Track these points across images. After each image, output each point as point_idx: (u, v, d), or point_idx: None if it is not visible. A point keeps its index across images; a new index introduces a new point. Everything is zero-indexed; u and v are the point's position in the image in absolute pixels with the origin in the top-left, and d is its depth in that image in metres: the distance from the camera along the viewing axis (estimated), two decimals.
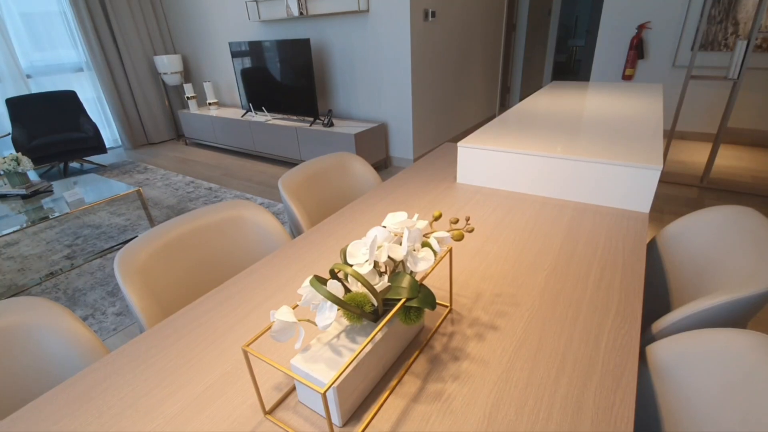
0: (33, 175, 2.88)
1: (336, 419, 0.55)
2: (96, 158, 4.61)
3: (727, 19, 3.52)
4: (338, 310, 0.59)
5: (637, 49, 3.89)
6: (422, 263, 0.62)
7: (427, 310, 0.76)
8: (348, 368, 0.54)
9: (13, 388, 0.70)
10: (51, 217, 2.28)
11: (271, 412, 0.59)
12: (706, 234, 0.93)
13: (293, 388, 0.62)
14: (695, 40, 2.63)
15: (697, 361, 0.61)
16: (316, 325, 0.67)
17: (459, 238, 0.66)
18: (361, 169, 1.45)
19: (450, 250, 0.71)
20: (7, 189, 2.62)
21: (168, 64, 4.72)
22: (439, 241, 0.66)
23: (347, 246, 0.63)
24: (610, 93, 2.03)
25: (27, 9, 4.09)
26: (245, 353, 0.53)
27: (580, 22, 8.14)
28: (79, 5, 4.15)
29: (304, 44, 3.37)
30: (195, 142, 4.89)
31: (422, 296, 0.60)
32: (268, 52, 3.69)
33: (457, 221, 0.70)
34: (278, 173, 3.78)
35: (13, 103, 3.89)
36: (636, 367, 0.62)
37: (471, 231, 0.68)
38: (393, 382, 0.63)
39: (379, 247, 0.62)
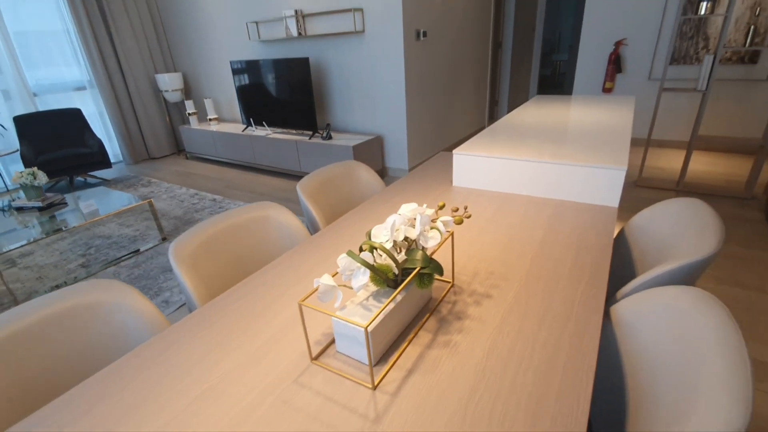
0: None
1: (368, 360, 0.71)
2: (99, 173, 4.73)
3: (698, 35, 3.81)
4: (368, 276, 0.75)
5: (616, 63, 4.16)
6: (431, 241, 0.78)
7: (433, 285, 0.92)
8: (380, 314, 0.70)
9: (95, 354, 0.84)
10: (65, 228, 2.40)
11: (316, 358, 0.74)
12: (664, 221, 1.12)
13: (332, 342, 0.78)
14: (667, 55, 2.87)
15: (649, 314, 0.78)
16: (351, 288, 0.83)
17: (459, 222, 0.82)
18: (366, 175, 1.62)
19: (452, 234, 0.88)
20: (23, 202, 2.74)
21: (169, 82, 4.89)
22: (444, 224, 0.82)
23: (371, 229, 0.80)
24: (587, 105, 2.24)
25: (32, 28, 4.25)
26: (300, 308, 0.68)
27: (563, 38, 8.52)
28: (82, 24, 4.32)
29: (303, 63, 3.57)
30: (196, 156, 5.04)
31: (432, 266, 0.77)
32: (269, 69, 3.89)
33: (457, 210, 0.87)
34: (279, 184, 3.94)
35: (20, 121, 4.02)
36: (600, 318, 0.78)
37: (469, 217, 0.85)
38: (410, 336, 0.78)
39: (396, 230, 0.79)
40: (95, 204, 2.68)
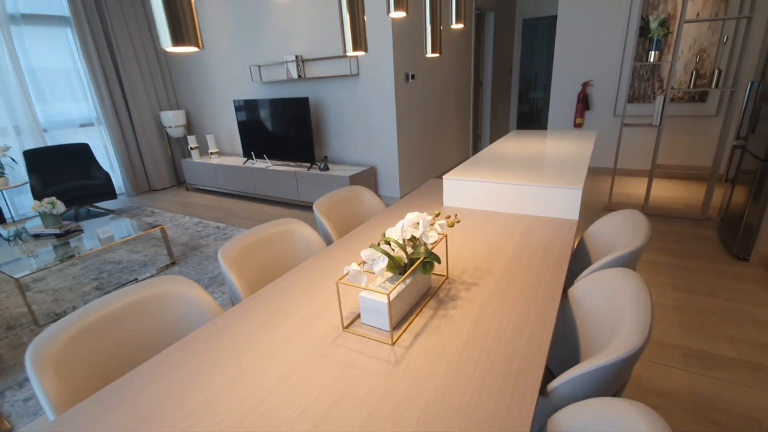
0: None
1: (387, 325, 0.95)
2: (104, 204, 4.90)
3: (653, 77, 4.31)
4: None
5: (584, 102, 4.63)
6: (431, 238, 1.04)
7: (432, 278, 1.17)
8: (398, 288, 0.94)
9: (166, 333, 1.05)
10: (79, 255, 2.57)
11: (347, 327, 0.97)
12: (611, 228, 1.40)
13: (357, 316, 1.01)
14: (626, 95, 3.29)
15: (593, 289, 1.04)
16: (373, 273, 1.07)
17: (451, 225, 1.09)
18: (369, 198, 1.89)
19: (446, 235, 1.14)
20: (40, 229, 2.92)
21: (173, 119, 5.20)
22: (441, 226, 1.09)
23: (385, 231, 1.05)
24: (556, 138, 2.59)
25: (44, 65, 4.52)
26: (337, 285, 0.93)
27: (539, 77, 9.20)
28: (92, 62, 4.63)
29: (303, 102, 3.91)
30: (196, 187, 5.27)
31: (432, 257, 1.02)
32: (270, 108, 4.22)
33: (449, 217, 1.14)
34: (278, 213, 4.18)
35: (30, 155, 4.22)
36: (559, 296, 1.04)
37: (458, 221, 1.12)
38: (417, 311, 1.03)
39: (405, 231, 1.05)
40: (110, 230, 2.88)
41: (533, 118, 8.56)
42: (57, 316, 2.46)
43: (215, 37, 4.72)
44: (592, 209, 3.63)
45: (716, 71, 2.99)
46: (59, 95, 4.69)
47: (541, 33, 8.12)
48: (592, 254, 1.42)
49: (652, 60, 3.18)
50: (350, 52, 0.89)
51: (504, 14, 6.40)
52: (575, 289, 1.09)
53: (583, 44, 4.49)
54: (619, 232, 1.32)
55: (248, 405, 0.76)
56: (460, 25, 1.33)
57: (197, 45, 0.55)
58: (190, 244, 3.45)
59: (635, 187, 4.17)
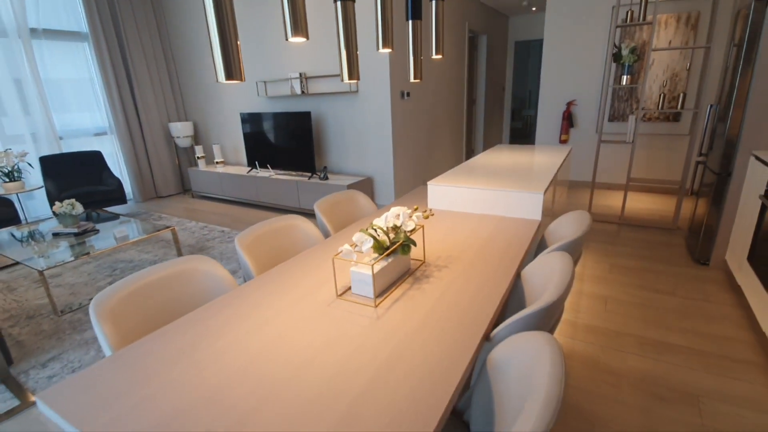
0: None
1: (372, 293, 1.19)
2: (113, 208, 5.14)
3: (631, 98, 4.63)
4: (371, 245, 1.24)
5: (569, 120, 4.95)
6: (409, 227, 1.29)
7: (410, 263, 1.42)
8: (380, 263, 1.18)
9: (196, 297, 1.29)
10: (94, 252, 2.79)
11: (340, 295, 1.21)
12: (565, 224, 1.65)
13: (349, 288, 1.25)
14: (605, 113, 3.58)
15: (538, 269, 1.29)
16: (362, 253, 1.31)
17: (426, 217, 1.34)
18: (363, 200, 2.14)
19: (423, 226, 1.39)
20: (60, 228, 3.15)
21: (181, 130, 5.48)
22: (417, 218, 1.34)
23: (373, 220, 1.30)
24: (533, 152, 2.86)
25: (62, 76, 4.81)
26: (333, 261, 1.17)
27: (532, 96, 9.59)
28: (107, 74, 4.93)
29: (305, 116, 4.20)
30: (201, 195, 5.52)
31: (409, 240, 1.27)
32: (275, 120, 4.51)
33: (425, 211, 1.39)
34: None
35: (45, 161, 4.48)
36: (511, 275, 1.29)
37: (432, 215, 1.37)
38: (396, 285, 1.27)
39: (388, 220, 1.30)
40: (126, 230, 3.12)
41: (526, 134, 8.90)
42: (75, 307, 2.68)
43: None
44: None
45: (681, 95, 3.29)
46: (75, 105, 4.98)
47: (533, 54, 8.52)
48: (549, 245, 1.67)
49: (624, 83, 3.49)
50: (346, 80, 1.15)
51: (497, 37, 6.78)
52: (526, 271, 1.34)
53: (567, 67, 4.83)
54: (569, 227, 1.57)
55: (265, 342, 1.00)
56: (439, 56, 1.61)
57: (241, 79, 0.80)
58: (197, 246, 3.68)
59: (615, 200, 4.44)
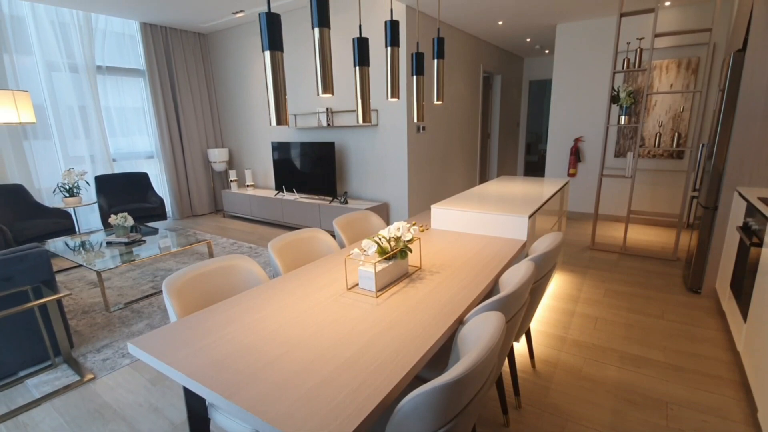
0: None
1: (374, 288, 1.50)
2: (153, 224, 5.65)
3: (636, 135, 4.88)
4: (376, 250, 1.56)
5: (576, 155, 5.22)
6: (407, 237, 1.61)
7: (408, 269, 1.73)
8: (382, 264, 1.50)
9: (236, 288, 1.63)
10: (140, 259, 3.21)
11: (350, 289, 1.53)
12: (543, 242, 1.93)
13: (356, 284, 1.57)
14: (607, 150, 3.86)
15: (512, 275, 1.57)
16: (368, 256, 1.63)
17: (422, 230, 1.66)
18: (376, 220, 2.48)
19: (420, 239, 1.70)
20: (113, 238, 3.61)
21: (218, 155, 6.04)
22: (414, 231, 1.66)
23: (379, 231, 1.63)
24: (533, 182, 3.16)
25: (118, 104, 5.47)
26: (345, 261, 1.50)
27: (547, 131, 9.91)
28: (158, 104, 5.57)
29: (330, 146, 4.65)
30: (232, 215, 6.00)
31: (406, 247, 1.59)
32: (301, 149, 4.98)
33: (421, 226, 1.71)
34: None
35: (100, 180, 5.06)
36: (489, 278, 1.57)
37: (427, 229, 1.68)
38: (395, 283, 1.58)
39: (390, 232, 1.62)
40: (169, 241, 3.54)
41: (540, 167, 9.16)
42: (125, 303, 3.07)
43: (261, 90, 5.63)
44: (576, 248, 4.10)
45: (676, 134, 3.54)
46: (128, 131, 5.61)
47: (548, 92, 8.90)
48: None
49: (622, 123, 3.78)
50: (360, 122, 1.51)
51: (511, 76, 7.21)
52: (503, 277, 1.63)
53: (574, 106, 5.16)
54: (546, 245, 1.85)
55: (290, 316, 1.32)
56: (440, 102, 1.97)
57: (287, 123, 1.16)
58: None
59: (616, 231, 4.62)
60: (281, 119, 1.13)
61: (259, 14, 1.07)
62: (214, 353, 1.12)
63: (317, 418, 0.85)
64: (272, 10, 4.90)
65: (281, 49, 1.11)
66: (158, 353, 1.12)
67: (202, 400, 1.34)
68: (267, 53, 1.09)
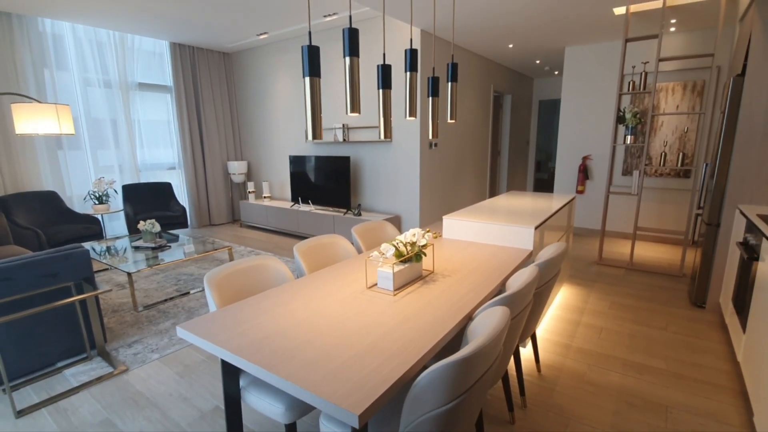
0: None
1: (392, 287, 1.65)
2: (174, 231, 5.89)
3: (643, 153, 5.00)
4: (394, 253, 1.72)
5: (584, 172, 5.35)
6: (422, 242, 1.77)
7: (422, 271, 1.88)
8: (399, 266, 1.66)
9: (266, 284, 1.80)
10: (163, 263, 3.40)
11: (369, 288, 1.69)
12: (547, 251, 2.07)
13: (375, 283, 1.72)
14: (615, 168, 3.99)
15: (517, 278, 1.71)
16: (387, 258, 1.79)
17: (436, 237, 1.82)
18: (390, 229, 2.64)
19: (433, 245, 1.86)
20: (140, 243, 3.82)
21: (237, 167, 6.30)
22: (429, 237, 1.81)
23: (397, 237, 1.79)
24: (540, 197, 3.30)
25: (147, 117, 5.77)
26: (366, 262, 1.66)
27: (556, 149, 10.05)
28: (183, 118, 5.86)
29: (345, 160, 4.86)
30: (249, 225, 6.22)
31: (421, 251, 1.74)
32: (317, 163, 5.20)
33: (435, 233, 1.87)
34: None
35: (126, 189, 5.33)
36: (496, 283, 1.72)
37: (440, 236, 1.84)
38: (411, 284, 1.73)
39: (406, 237, 1.78)
40: (192, 247, 3.74)
41: (549, 184, 9.27)
42: (150, 304, 3.26)
43: (281, 105, 5.91)
44: (583, 263, 4.19)
45: (680, 154, 3.67)
46: (154, 143, 5.91)
47: (557, 112, 9.07)
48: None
49: (628, 143, 3.92)
50: (382, 137, 1.70)
51: (521, 96, 7.41)
52: (509, 281, 1.77)
53: (582, 125, 5.31)
54: (550, 252, 1.99)
55: (316, 309, 1.47)
56: (453, 121, 2.15)
57: (320, 138, 1.34)
58: None
59: (624, 247, 4.70)
60: (317, 134, 1.31)
61: (302, 47, 1.26)
62: (251, 336, 1.28)
63: (347, 386, 1.00)
64: (290, 33, 5.20)
65: (319, 76, 1.30)
66: (204, 335, 1.29)
67: (237, 384, 1.49)
68: (307, 79, 1.28)
